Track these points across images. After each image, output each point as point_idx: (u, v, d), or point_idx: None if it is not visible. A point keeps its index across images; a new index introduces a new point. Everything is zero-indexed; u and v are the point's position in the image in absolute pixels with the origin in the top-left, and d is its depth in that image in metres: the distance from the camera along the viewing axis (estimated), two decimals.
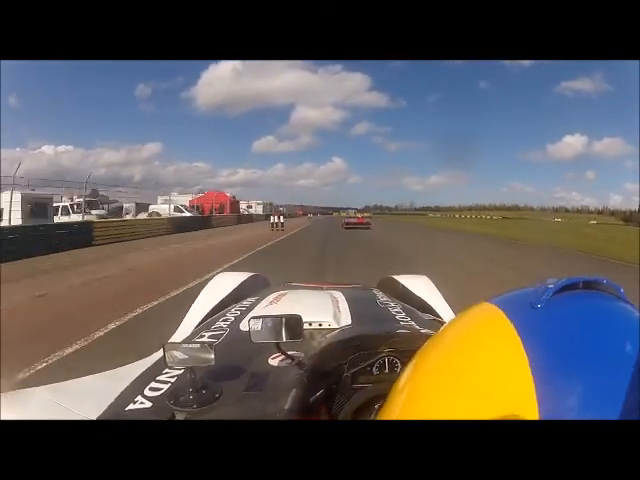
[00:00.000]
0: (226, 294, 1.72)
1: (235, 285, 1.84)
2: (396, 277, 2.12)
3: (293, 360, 0.82)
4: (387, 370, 0.93)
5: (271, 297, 1.47)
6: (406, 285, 1.95)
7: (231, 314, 1.30)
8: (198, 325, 1.37)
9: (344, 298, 1.44)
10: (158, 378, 0.80)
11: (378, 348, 0.92)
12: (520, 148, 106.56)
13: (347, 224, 21.47)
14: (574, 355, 0.33)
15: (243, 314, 1.28)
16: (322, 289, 1.82)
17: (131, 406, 0.71)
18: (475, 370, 0.37)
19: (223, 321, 1.22)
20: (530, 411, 0.31)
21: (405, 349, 0.93)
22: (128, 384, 0.78)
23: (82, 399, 0.74)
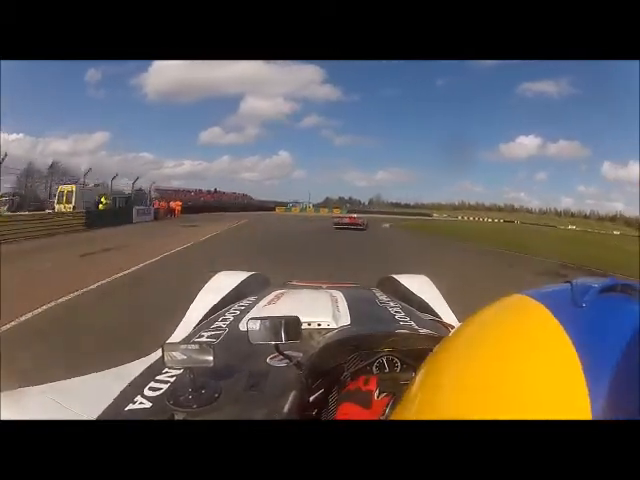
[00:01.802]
0: (226, 293, 1.72)
1: (235, 284, 1.84)
2: (396, 276, 2.12)
3: (292, 360, 0.82)
4: (387, 369, 0.93)
5: (270, 297, 1.47)
6: (406, 285, 1.95)
7: (230, 314, 1.30)
8: (197, 324, 1.37)
9: (343, 298, 1.44)
10: (157, 378, 0.80)
11: (377, 348, 0.92)
12: (472, 147, 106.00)
13: (337, 224, 20.60)
14: (624, 355, 0.32)
15: (242, 314, 1.28)
16: (321, 288, 1.82)
17: (130, 406, 0.71)
18: (522, 366, 0.36)
19: (222, 321, 1.22)
20: (583, 412, 0.30)
21: (404, 349, 0.93)
22: (127, 384, 0.79)
23: (82, 398, 0.74)
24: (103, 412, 0.68)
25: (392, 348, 0.93)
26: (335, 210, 45.86)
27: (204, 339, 1.05)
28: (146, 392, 0.75)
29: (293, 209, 44.36)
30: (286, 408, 0.68)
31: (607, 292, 0.39)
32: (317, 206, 50.16)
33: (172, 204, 22.94)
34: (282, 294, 1.51)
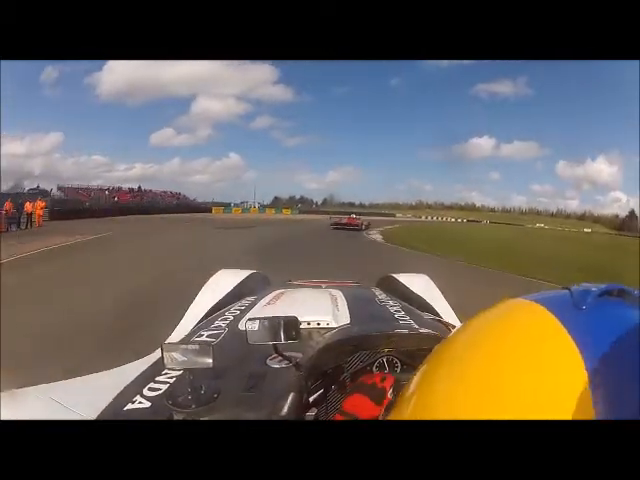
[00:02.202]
0: (226, 292, 1.72)
1: (235, 283, 1.84)
2: (396, 276, 2.12)
3: (291, 360, 0.82)
4: (387, 370, 0.93)
5: (270, 296, 1.47)
6: (406, 284, 1.95)
7: (230, 313, 1.30)
8: (197, 323, 1.37)
9: (343, 297, 1.44)
10: (157, 378, 0.80)
11: (377, 348, 0.92)
12: (423, 146, 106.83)
13: (335, 224, 19.57)
14: (625, 356, 0.32)
15: (242, 313, 1.28)
16: (321, 288, 1.82)
17: (130, 406, 0.71)
18: (525, 366, 0.36)
19: (222, 320, 1.22)
20: (586, 412, 0.30)
21: (404, 348, 0.93)
22: (127, 384, 0.79)
23: (81, 398, 0.74)
24: (102, 412, 0.68)
25: (392, 348, 0.93)
26: (285, 211, 42.82)
27: (204, 339, 1.05)
28: (145, 392, 0.75)
29: (234, 210, 38.83)
30: (285, 408, 0.68)
31: (606, 296, 0.39)
32: (264, 206, 46.37)
33: (28, 206, 15.05)
34: (282, 293, 1.51)
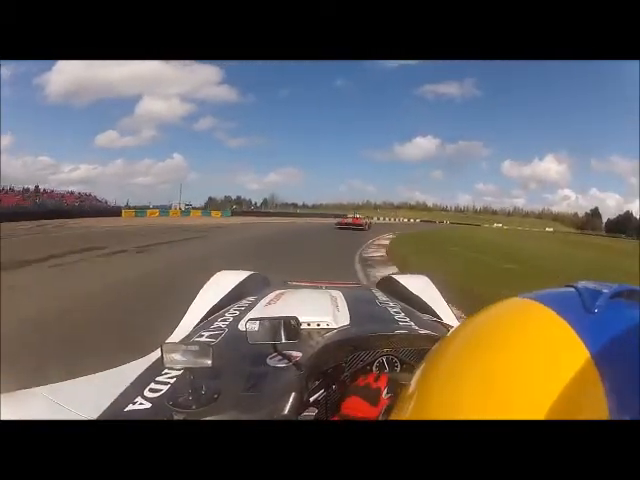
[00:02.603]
0: (225, 293, 1.72)
1: (234, 284, 1.84)
2: (396, 277, 2.12)
3: (291, 360, 0.82)
4: (387, 369, 0.93)
5: (270, 297, 1.47)
6: (406, 285, 1.95)
7: (230, 314, 1.30)
8: (197, 324, 1.37)
9: (343, 298, 1.44)
10: (157, 379, 0.80)
11: (377, 348, 0.92)
12: (365, 147, 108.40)
13: (340, 224, 19.87)
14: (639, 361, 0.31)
15: (242, 314, 1.28)
16: (321, 288, 1.82)
17: (130, 407, 0.71)
18: (530, 369, 0.34)
19: (222, 321, 1.22)
20: (601, 414, 0.29)
21: (404, 349, 0.93)
22: (127, 385, 0.79)
23: (82, 400, 0.74)
24: (103, 413, 0.68)
25: (392, 348, 0.93)
26: (214, 214, 36.76)
27: (204, 339, 1.05)
28: (146, 393, 0.75)
29: (149, 213, 32.59)
30: (285, 408, 0.68)
31: (617, 298, 0.37)
32: (190, 208, 40.20)
33: None
34: (282, 294, 1.51)
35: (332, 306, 1.30)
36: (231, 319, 1.23)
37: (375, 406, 0.72)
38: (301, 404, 0.72)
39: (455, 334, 0.48)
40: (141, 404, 0.72)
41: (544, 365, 0.34)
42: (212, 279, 1.93)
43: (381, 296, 1.64)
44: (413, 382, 0.46)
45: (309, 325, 1.11)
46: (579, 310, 0.37)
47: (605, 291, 0.37)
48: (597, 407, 0.29)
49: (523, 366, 0.35)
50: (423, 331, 1.09)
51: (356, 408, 0.72)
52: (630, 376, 0.30)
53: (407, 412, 0.43)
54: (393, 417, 0.49)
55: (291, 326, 0.80)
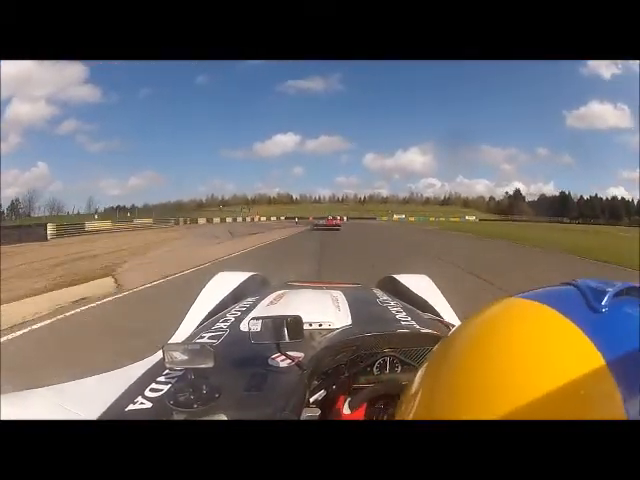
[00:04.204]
0: (226, 294, 1.72)
1: (235, 285, 1.84)
2: (396, 276, 2.12)
3: (293, 360, 0.82)
4: (387, 370, 0.93)
5: (271, 297, 1.47)
6: (407, 284, 1.95)
7: (231, 315, 1.30)
8: (198, 325, 1.37)
9: (344, 298, 1.44)
10: (158, 379, 0.80)
11: (378, 348, 0.92)
12: (226, 146, 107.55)
13: (316, 226, 19.46)
14: None
15: (243, 314, 1.28)
16: (322, 289, 1.82)
17: (131, 406, 0.71)
18: (537, 369, 0.34)
19: (223, 322, 1.22)
20: (617, 414, 0.29)
21: (405, 349, 0.93)
22: (128, 385, 0.79)
23: (83, 400, 0.74)
24: (103, 413, 0.68)
25: (393, 348, 0.93)
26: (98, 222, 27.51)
27: (205, 340, 1.05)
28: (147, 393, 0.75)
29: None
30: (287, 408, 0.68)
31: (621, 296, 0.37)
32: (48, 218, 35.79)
33: None
34: (282, 295, 1.51)
35: (333, 306, 1.30)
36: (232, 320, 1.23)
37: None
38: (302, 404, 0.72)
39: (455, 336, 0.47)
40: (142, 404, 0.72)
41: (554, 367, 0.33)
42: (213, 280, 1.93)
43: (382, 296, 1.64)
44: (415, 383, 0.46)
45: (310, 325, 1.11)
46: (585, 310, 0.36)
47: (609, 289, 0.37)
48: (614, 410, 0.29)
49: (531, 368, 0.34)
50: (425, 330, 1.09)
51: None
52: (638, 372, 0.29)
53: (410, 412, 0.43)
54: (398, 416, 0.49)
55: (295, 325, 0.80)
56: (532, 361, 0.35)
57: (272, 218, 53.43)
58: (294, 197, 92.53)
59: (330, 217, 22.27)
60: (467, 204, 79.20)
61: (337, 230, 18.88)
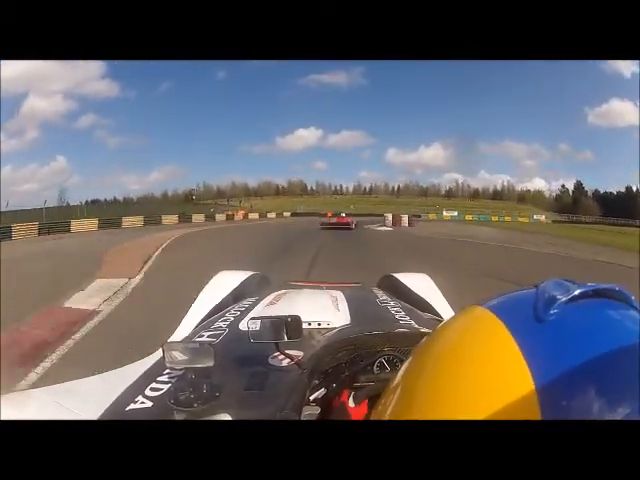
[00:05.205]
0: (226, 293, 1.72)
1: (235, 284, 1.84)
2: (396, 275, 2.12)
3: (293, 360, 0.82)
4: (387, 369, 0.93)
5: (271, 297, 1.47)
6: (406, 284, 1.95)
7: (231, 314, 1.30)
8: (198, 324, 1.37)
9: (343, 297, 1.44)
10: (158, 379, 0.80)
11: (377, 347, 0.93)
12: (246, 141, 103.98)
13: (324, 224, 18.02)
14: (582, 374, 0.30)
15: (243, 314, 1.28)
16: (322, 288, 1.82)
17: (132, 406, 0.71)
18: (474, 383, 0.35)
19: (223, 321, 1.22)
20: (533, 416, 0.30)
21: (404, 348, 0.93)
22: (128, 385, 0.79)
23: (83, 400, 0.74)
24: (104, 413, 0.68)
25: (393, 347, 0.93)
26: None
27: (205, 339, 1.05)
28: (147, 392, 0.75)
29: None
30: (287, 407, 0.68)
31: (576, 301, 0.36)
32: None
33: None
34: (282, 294, 1.51)
35: (333, 306, 1.30)
36: (232, 319, 1.23)
37: (348, 419, 0.72)
38: (302, 403, 0.73)
39: (424, 342, 0.49)
40: (142, 403, 0.72)
41: (485, 375, 0.35)
42: (213, 279, 1.93)
43: (381, 295, 1.64)
44: (391, 385, 0.48)
45: (310, 325, 1.11)
46: (527, 320, 0.36)
47: (562, 297, 0.36)
48: (529, 404, 0.30)
49: (467, 375, 0.36)
50: (424, 329, 1.09)
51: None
52: (565, 386, 0.30)
53: (385, 412, 0.45)
54: (374, 416, 0.50)
55: (294, 325, 0.80)
56: (471, 371, 0.36)
57: (270, 215, 37.03)
58: (309, 187, 77.93)
59: (343, 215, 20.94)
60: (523, 199, 66.81)
61: (348, 229, 16.78)
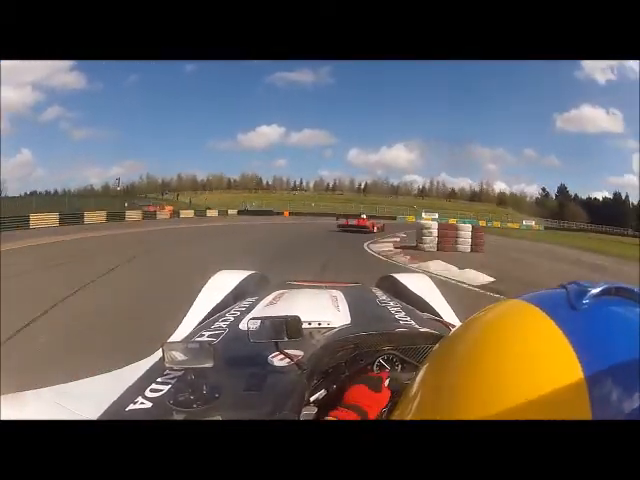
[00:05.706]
0: (226, 293, 1.72)
1: (235, 284, 1.84)
2: (396, 275, 2.12)
3: (292, 360, 0.82)
4: (387, 369, 0.93)
5: (270, 297, 1.47)
6: (406, 284, 1.95)
7: (231, 314, 1.30)
8: (198, 324, 1.37)
9: (343, 297, 1.44)
10: (158, 379, 0.80)
11: (377, 347, 0.92)
12: (210, 137, 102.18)
13: (340, 226, 17.04)
14: (623, 357, 0.32)
15: (243, 314, 1.28)
16: (322, 288, 1.82)
17: (131, 406, 0.71)
18: (520, 370, 0.36)
19: (223, 321, 1.22)
20: (583, 413, 0.30)
21: (404, 348, 0.93)
22: (128, 386, 0.79)
23: (83, 401, 0.74)
24: (103, 413, 0.68)
25: (392, 347, 0.93)
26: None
27: (204, 339, 1.05)
28: (147, 393, 0.75)
29: None
30: (287, 407, 0.68)
31: (603, 295, 0.38)
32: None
33: None
34: (282, 294, 1.51)
35: (332, 306, 1.30)
36: (232, 319, 1.23)
37: (378, 393, 0.74)
38: (302, 403, 0.72)
39: (455, 336, 0.48)
40: (142, 403, 0.72)
41: (532, 363, 0.35)
42: (212, 279, 1.93)
43: (381, 295, 1.64)
44: (416, 382, 0.47)
45: (310, 325, 1.11)
46: (566, 309, 0.38)
47: (592, 290, 0.38)
48: (579, 405, 0.30)
49: (514, 366, 0.36)
50: (423, 329, 1.09)
51: (360, 396, 0.74)
52: (612, 369, 0.31)
53: (410, 411, 0.44)
54: (396, 416, 0.49)
55: (293, 325, 0.80)
56: (516, 360, 0.37)
57: (211, 212, 31.94)
58: (265, 181, 67.64)
59: (363, 217, 18.89)
60: (503, 201, 61.86)
61: (365, 233, 15.25)
